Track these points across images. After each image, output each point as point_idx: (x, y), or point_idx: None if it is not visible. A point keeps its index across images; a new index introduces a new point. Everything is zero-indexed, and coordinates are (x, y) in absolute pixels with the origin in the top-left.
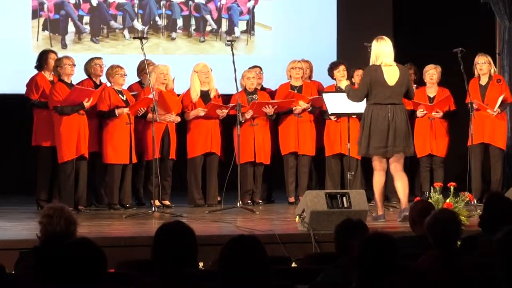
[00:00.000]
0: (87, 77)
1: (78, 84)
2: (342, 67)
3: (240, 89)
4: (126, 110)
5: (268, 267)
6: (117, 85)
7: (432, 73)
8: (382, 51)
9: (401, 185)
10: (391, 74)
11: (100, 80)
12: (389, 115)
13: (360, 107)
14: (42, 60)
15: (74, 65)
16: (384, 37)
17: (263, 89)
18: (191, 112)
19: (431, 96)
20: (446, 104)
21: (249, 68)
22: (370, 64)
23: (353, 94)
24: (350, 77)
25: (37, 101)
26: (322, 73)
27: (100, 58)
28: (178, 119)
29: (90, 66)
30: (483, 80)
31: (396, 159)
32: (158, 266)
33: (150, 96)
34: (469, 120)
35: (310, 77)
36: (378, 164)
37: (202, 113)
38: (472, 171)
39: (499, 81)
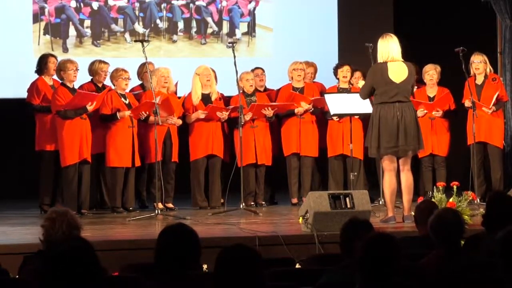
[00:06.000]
0: (89, 78)
1: (79, 87)
2: (346, 68)
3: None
4: (128, 113)
5: (262, 275)
6: (119, 89)
7: (432, 73)
8: (388, 48)
9: (405, 187)
10: (398, 71)
11: (103, 84)
12: (398, 114)
13: (362, 107)
14: (42, 64)
15: (78, 70)
16: (390, 34)
17: (266, 90)
18: (192, 115)
19: (431, 96)
20: (446, 103)
21: (252, 69)
22: (378, 61)
23: (360, 91)
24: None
25: (39, 106)
26: (324, 74)
27: (106, 63)
28: (180, 121)
29: (95, 70)
30: (479, 79)
31: (404, 158)
32: (161, 269)
33: (153, 100)
34: (472, 119)
35: (314, 78)
36: (388, 164)
37: (202, 116)
38: (475, 170)
39: (494, 79)
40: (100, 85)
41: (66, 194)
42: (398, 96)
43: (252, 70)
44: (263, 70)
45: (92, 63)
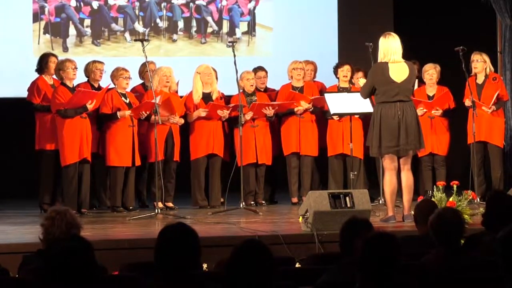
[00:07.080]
0: (85, 79)
1: (75, 87)
2: (346, 67)
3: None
4: (128, 112)
5: (273, 272)
6: (120, 88)
7: (431, 73)
8: (390, 47)
9: (406, 187)
10: (399, 71)
11: (98, 84)
12: (399, 113)
13: (362, 107)
14: (42, 63)
15: (76, 68)
16: (392, 33)
17: (266, 90)
18: (193, 113)
19: (431, 95)
20: (445, 101)
21: (254, 69)
22: (378, 61)
23: (361, 90)
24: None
25: (39, 105)
26: (324, 73)
27: (102, 62)
28: (182, 121)
29: (90, 69)
30: (480, 79)
31: (405, 157)
32: (161, 268)
33: (153, 100)
34: (472, 118)
35: (314, 77)
36: (389, 163)
37: (203, 114)
38: (475, 169)
39: (494, 79)
40: (96, 85)
41: (66, 193)
42: (399, 96)
43: (254, 70)
44: (266, 72)
45: (88, 64)
